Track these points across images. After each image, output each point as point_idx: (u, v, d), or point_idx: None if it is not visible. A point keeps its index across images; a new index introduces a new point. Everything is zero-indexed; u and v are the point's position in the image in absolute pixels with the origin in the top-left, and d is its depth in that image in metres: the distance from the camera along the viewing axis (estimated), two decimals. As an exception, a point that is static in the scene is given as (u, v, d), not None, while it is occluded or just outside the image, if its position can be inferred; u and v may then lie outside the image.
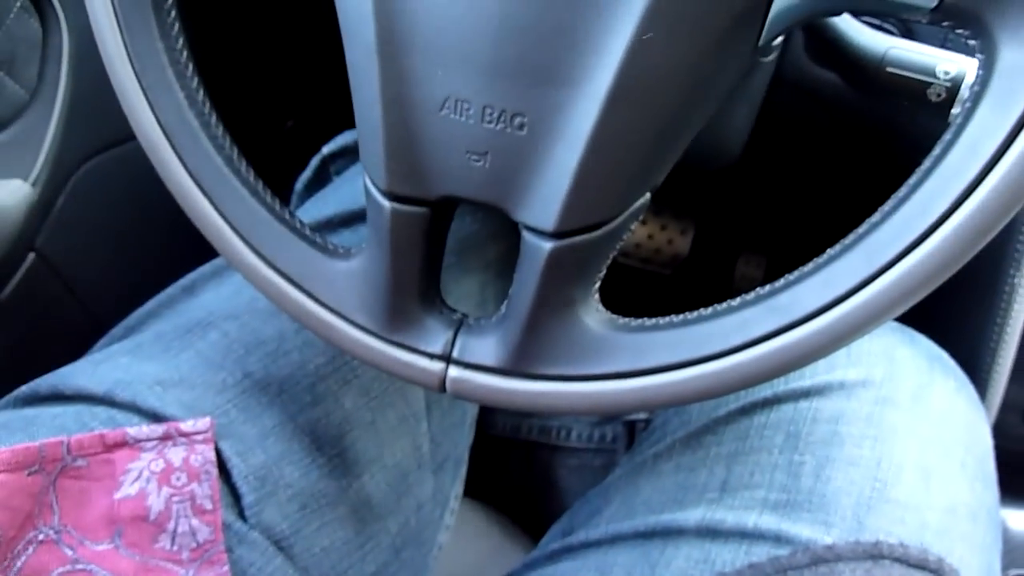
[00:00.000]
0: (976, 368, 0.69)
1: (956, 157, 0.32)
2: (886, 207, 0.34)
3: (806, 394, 0.54)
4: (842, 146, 0.68)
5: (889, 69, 0.47)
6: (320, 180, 0.75)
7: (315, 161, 0.75)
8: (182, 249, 0.59)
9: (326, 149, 0.74)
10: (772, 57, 0.51)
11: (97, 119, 0.70)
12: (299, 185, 0.77)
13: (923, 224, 0.32)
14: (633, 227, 0.38)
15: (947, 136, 0.33)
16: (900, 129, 0.61)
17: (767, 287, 0.37)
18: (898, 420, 0.52)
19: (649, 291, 1.03)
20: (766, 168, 0.77)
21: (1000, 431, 0.68)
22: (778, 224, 0.98)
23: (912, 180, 0.34)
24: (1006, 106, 0.31)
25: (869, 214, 0.35)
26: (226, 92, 0.50)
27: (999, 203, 0.31)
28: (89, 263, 0.76)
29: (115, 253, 0.79)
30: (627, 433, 0.72)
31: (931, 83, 0.45)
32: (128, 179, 0.76)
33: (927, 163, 0.33)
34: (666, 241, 0.99)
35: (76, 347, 0.61)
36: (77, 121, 0.69)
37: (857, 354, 0.55)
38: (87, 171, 0.73)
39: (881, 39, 0.48)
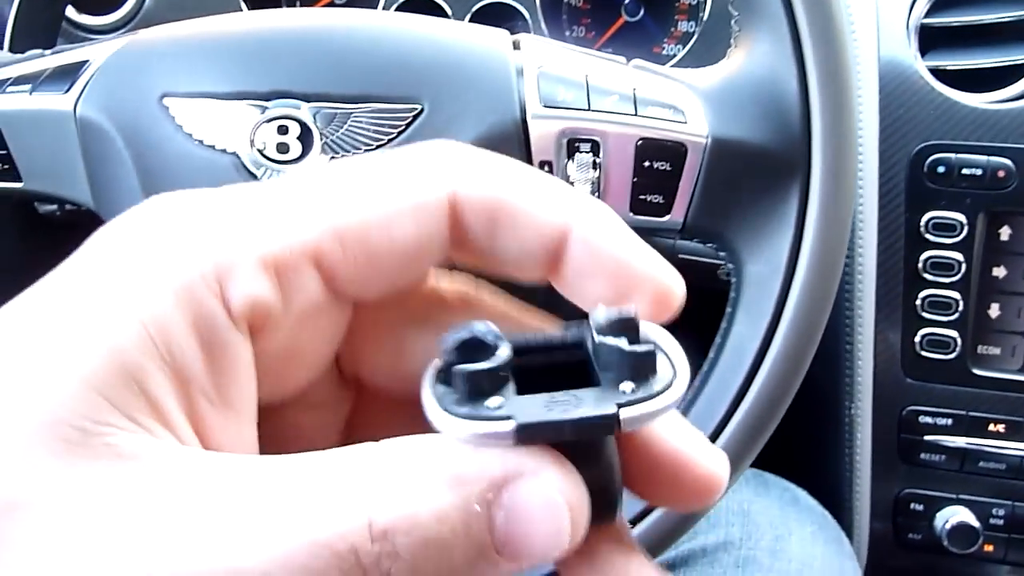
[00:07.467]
0: (838, 498, 0.71)
1: (725, 363, 0.34)
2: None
3: (671, 566, 0.54)
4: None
5: (680, 255, 0.50)
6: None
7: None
8: None
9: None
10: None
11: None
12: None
13: (709, 427, 0.34)
14: None
15: (718, 339, 0.36)
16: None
17: None
18: (761, 581, 0.53)
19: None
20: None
21: (876, 548, 0.70)
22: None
23: (696, 382, 0.36)
24: (757, 315, 0.33)
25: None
26: None
27: (767, 403, 0.33)
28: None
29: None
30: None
31: (719, 264, 0.49)
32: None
33: (705, 366, 0.36)
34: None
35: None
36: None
37: (715, 515, 0.56)
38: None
39: (671, 227, 0.52)
